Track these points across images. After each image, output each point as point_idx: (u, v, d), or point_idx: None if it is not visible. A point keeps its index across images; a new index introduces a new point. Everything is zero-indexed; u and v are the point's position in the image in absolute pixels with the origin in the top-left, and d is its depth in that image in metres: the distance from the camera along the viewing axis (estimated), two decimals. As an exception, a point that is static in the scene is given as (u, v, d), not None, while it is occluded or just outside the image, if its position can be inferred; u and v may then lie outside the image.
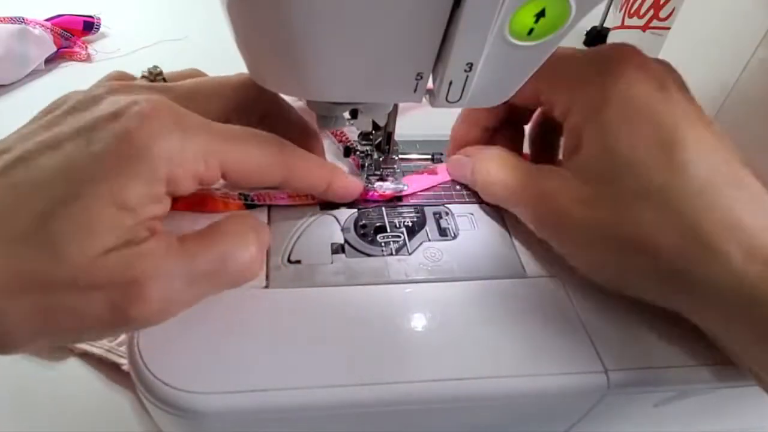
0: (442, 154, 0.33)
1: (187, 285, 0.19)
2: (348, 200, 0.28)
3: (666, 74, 0.23)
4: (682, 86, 0.23)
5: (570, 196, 0.23)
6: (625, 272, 0.23)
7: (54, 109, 0.20)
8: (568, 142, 0.24)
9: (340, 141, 0.32)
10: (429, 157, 0.32)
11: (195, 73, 0.25)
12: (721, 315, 0.21)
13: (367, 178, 0.30)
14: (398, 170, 0.30)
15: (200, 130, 0.20)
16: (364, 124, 0.26)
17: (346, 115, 0.25)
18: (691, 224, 0.20)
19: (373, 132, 0.29)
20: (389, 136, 0.28)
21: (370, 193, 0.29)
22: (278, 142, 0.23)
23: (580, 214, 0.22)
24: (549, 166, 0.25)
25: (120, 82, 0.21)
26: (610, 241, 0.22)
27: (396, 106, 0.26)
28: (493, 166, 0.27)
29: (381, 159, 0.29)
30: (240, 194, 0.27)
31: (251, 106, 0.24)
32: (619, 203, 0.21)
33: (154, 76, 0.24)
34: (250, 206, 0.27)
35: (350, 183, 0.27)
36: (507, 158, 0.27)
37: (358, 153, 0.31)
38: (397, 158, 0.30)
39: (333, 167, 0.26)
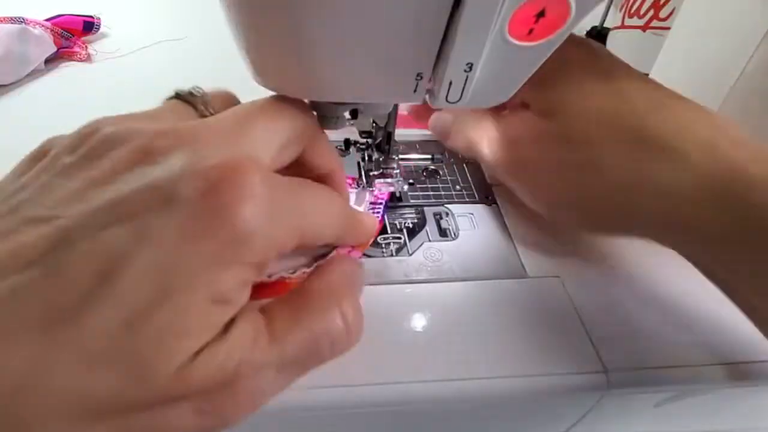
0: (443, 153, 0.33)
1: (277, 375, 0.16)
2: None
3: (590, 46, 0.26)
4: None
5: (535, 128, 0.25)
6: (582, 199, 0.24)
7: (77, 147, 0.16)
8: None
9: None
10: (429, 157, 0.32)
11: (233, 98, 0.22)
12: (680, 218, 0.22)
13: (365, 173, 0.30)
14: (397, 170, 0.30)
15: (289, 200, 0.16)
16: (365, 124, 0.26)
17: (347, 115, 0.25)
18: (641, 136, 0.22)
19: (374, 131, 0.29)
20: (389, 135, 0.28)
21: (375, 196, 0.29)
22: (337, 194, 0.20)
23: (543, 140, 0.24)
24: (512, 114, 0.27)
25: (162, 129, 0.16)
26: (567, 163, 0.24)
27: (396, 106, 0.26)
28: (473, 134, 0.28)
29: (381, 159, 0.29)
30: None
31: (299, 136, 0.21)
32: (571, 127, 0.24)
33: (204, 104, 0.20)
34: None
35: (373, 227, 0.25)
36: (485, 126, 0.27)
37: (357, 145, 0.31)
38: (396, 158, 0.30)
39: (372, 219, 0.25)
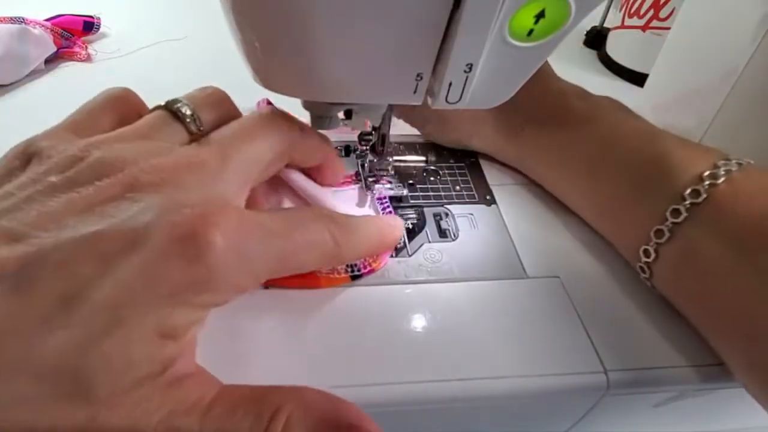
0: (439, 155, 0.33)
1: None
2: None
3: None
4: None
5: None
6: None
7: (66, 168, 0.17)
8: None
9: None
10: (423, 158, 0.32)
11: (222, 99, 0.22)
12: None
13: (365, 180, 0.30)
14: (392, 172, 0.30)
15: (262, 244, 0.17)
16: (359, 124, 0.26)
17: (341, 115, 0.25)
18: None
19: (372, 133, 0.29)
20: (383, 138, 0.28)
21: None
22: (321, 214, 0.21)
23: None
24: None
25: (149, 165, 0.17)
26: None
27: (391, 107, 0.26)
28: None
29: (375, 161, 0.29)
30: (347, 266, 0.25)
31: (282, 152, 0.22)
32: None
33: (195, 122, 0.20)
34: (356, 277, 0.25)
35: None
36: None
37: (357, 152, 0.31)
38: (391, 160, 0.30)
39: (397, 221, 0.26)
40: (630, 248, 0.25)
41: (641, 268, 0.24)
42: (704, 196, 0.22)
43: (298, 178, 0.25)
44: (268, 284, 0.24)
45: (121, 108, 0.21)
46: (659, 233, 0.23)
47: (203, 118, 0.21)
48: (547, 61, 0.32)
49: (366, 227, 0.22)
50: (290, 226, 0.19)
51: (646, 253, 0.24)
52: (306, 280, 0.24)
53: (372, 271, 0.25)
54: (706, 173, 0.22)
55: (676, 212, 0.22)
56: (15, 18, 0.44)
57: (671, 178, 0.23)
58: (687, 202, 0.22)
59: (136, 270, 0.14)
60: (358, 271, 0.25)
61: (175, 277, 0.15)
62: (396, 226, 0.25)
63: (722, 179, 0.22)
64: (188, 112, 0.20)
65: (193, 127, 0.20)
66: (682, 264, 0.22)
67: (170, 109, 0.20)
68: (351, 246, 0.21)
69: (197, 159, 0.18)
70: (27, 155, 0.18)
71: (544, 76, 0.31)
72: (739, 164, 0.22)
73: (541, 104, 0.30)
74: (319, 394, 0.18)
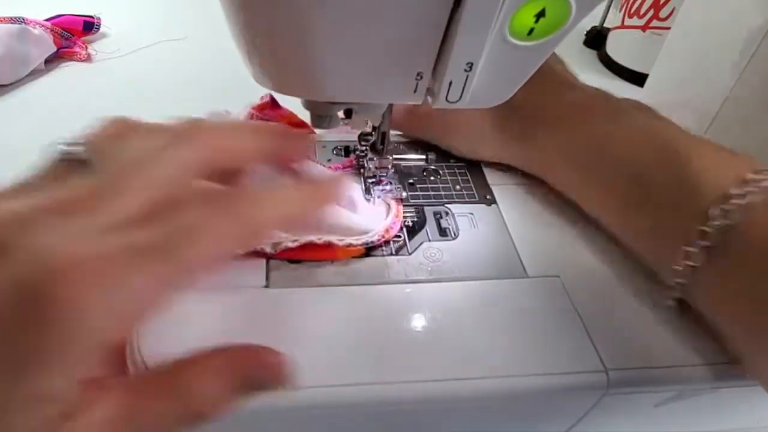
0: (438, 154, 0.33)
1: None
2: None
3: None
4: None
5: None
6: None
7: None
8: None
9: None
10: (423, 157, 0.32)
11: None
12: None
13: (364, 181, 0.30)
14: (393, 171, 0.30)
15: (128, 287, 0.14)
16: (359, 123, 0.26)
17: (341, 114, 0.25)
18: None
19: (372, 133, 0.29)
20: (383, 136, 0.28)
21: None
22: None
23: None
24: None
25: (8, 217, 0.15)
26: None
27: (390, 106, 0.26)
28: None
29: (375, 159, 0.29)
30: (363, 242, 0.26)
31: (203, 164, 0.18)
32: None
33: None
34: (370, 249, 0.26)
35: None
36: None
37: (357, 151, 0.31)
38: (391, 158, 0.30)
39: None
40: (662, 265, 0.24)
41: (672, 286, 0.23)
42: (735, 217, 0.21)
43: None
44: (282, 255, 0.25)
45: None
46: (692, 254, 0.22)
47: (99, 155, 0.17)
48: (567, 69, 0.31)
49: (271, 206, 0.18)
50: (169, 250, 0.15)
51: (680, 272, 0.22)
52: (323, 252, 0.25)
53: (386, 241, 0.27)
54: (734, 191, 0.21)
55: (703, 233, 0.21)
56: (15, 18, 0.44)
57: (700, 194, 0.22)
58: (717, 222, 0.21)
59: None
60: (372, 244, 0.26)
61: (28, 344, 0.13)
62: (320, 189, 0.20)
63: (753, 196, 0.20)
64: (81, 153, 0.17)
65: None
66: (719, 286, 0.21)
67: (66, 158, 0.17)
68: (251, 233, 0.17)
69: (67, 196, 0.15)
70: None
71: (557, 83, 0.30)
72: None
73: (560, 111, 0.29)
74: (226, 354, 0.18)
